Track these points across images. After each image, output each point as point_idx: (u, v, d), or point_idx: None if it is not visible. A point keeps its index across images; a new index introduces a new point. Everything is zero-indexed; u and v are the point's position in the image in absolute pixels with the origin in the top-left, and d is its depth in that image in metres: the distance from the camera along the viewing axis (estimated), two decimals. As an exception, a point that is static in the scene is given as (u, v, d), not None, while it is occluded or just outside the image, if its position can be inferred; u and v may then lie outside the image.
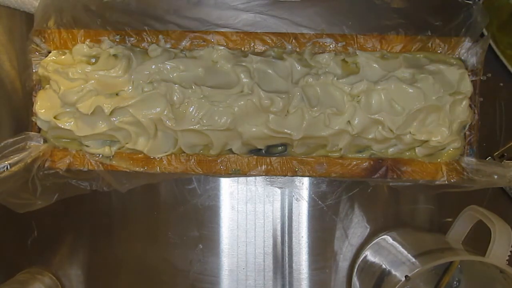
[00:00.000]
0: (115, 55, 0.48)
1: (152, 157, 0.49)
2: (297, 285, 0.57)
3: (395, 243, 0.53)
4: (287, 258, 0.57)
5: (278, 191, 0.57)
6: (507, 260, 0.44)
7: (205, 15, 0.55)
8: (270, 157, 0.49)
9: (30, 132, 0.49)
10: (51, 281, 0.57)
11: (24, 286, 0.54)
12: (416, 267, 0.46)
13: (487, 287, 0.50)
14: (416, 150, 0.49)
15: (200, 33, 0.49)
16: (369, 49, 0.48)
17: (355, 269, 0.56)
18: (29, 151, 0.47)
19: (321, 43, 0.49)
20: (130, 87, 0.47)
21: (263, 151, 0.49)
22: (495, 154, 0.55)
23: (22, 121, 0.54)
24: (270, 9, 0.55)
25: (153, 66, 0.47)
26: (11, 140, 0.47)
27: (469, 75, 0.47)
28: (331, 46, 0.49)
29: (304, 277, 0.58)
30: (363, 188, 0.56)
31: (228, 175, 0.50)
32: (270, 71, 0.46)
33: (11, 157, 0.46)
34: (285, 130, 0.46)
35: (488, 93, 0.49)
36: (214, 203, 0.57)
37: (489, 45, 0.51)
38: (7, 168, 0.46)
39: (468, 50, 0.48)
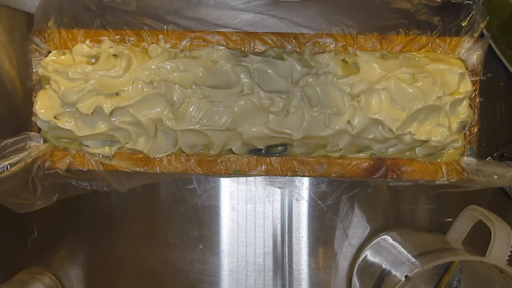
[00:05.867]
0: (115, 55, 0.48)
1: (152, 157, 0.49)
2: (297, 285, 0.58)
3: (395, 243, 0.53)
4: (287, 258, 0.57)
5: (278, 191, 0.57)
6: (507, 260, 0.44)
7: (205, 15, 0.55)
8: (270, 157, 0.49)
9: (30, 132, 0.49)
10: (51, 281, 0.57)
11: (24, 286, 0.54)
12: (416, 267, 0.46)
13: (487, 287, 0.50)
14: (416, 150, 0.49)
15: (200, 33, 0.49)
16: (369, 49, 0.48)
17: (355, 269, 0.56)
18: (29, 151, 0.47)
19: (321, 43, 0.49)
20: (130, 87, 0.47)
21: (263, 151, 0.49)
22: (495, 154, 0.55)
23: (22, 121, 0.54)
24: (270, 9, 0.55)
25: (153, 66, 0.47)
26: (11, 140, 0.47)
27: (469, 75, 0.47)
28: (331, 46, 0.48)
29: (304, 277, 0.58)
30: (363, 188, 0.57)
31: (228, 175, 0.50)
32: (270, 71, 0.46)
33: (11, 157, 0.46)
34: (285, 130, 0.46)
35: (488, 93, 0.49)
36: (214, 203, 0.57)
37: (489, 45, 0.51)
38: (7, 168, 0.46)
39: (468, 50, 0.48)
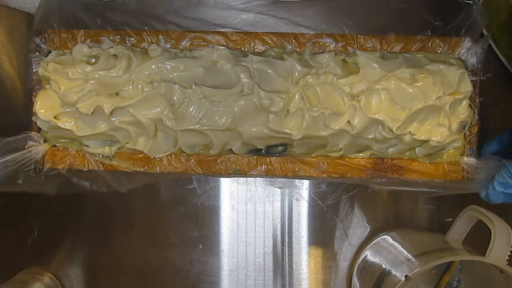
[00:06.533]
0: (115, 55, 0.48)
1: (152, 157, 0.49)
2: (297, 285, 0.57)
3: (395, 243, 0.53)
4: (287, 258, 0.57)
5: (278, 191, 0.57)
6: (507, 260, 0.44)
7: (205, 15, 0.55)
8: (270, 157, 0.49)
9: (30, 132, 0.49)
10: (51, 281, 0.57)
11: (24, 286, 0.54)
12: (416, 267, 0.46)
13: (487, 287, 0.50)
14: (416, 150, 0.49)
15: (200, 33, 0.49)
16: (369, 49, 0.48)
17: (355, 269, 0.56)
18: (29, 151, 0.47)
19: (321, 43, 0.49)
20: (130, 87, 0.47)
21: (263, 151, 0.49)
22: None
23: (22, 121, 0.54)
24: (270, 9, 0.55)
25: (153, 66, 0.47)
26: (11, 139, 0.47)
27: (469, 75, 0.47)
28: (331, 46, 0.49)
29: (304, 277, 0.58)
30: (363, 188, 0.56)
31: (228, 175, 0.50)
32: (270, 71, 0.46)
33: (11, 156, 0.46)
34: (285, 130, 0.46)
35: (488, 93, 0.49)
36: (214, 203, 0.57)
37: (489, 45, 0.51)
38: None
39: (468, 50, 0.48)
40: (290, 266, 0.57)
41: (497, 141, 0.49)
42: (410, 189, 0.50)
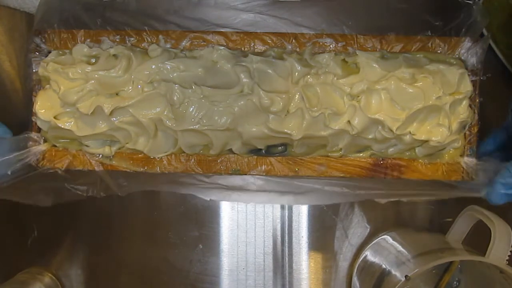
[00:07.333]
0: (115, 55, 0.48)
1: (152, 157, 0.49)
2: (297, 285, 0.58)
3: (395, 243, 0.53)
4: (287, 258, 0.57)
5: (278, 191, 0.57)
6: (507, 260, 0.44)
7: (205, 15, 0.55)
8: (270, 157, 0.49)
9: (30, 132, 0.49)
10: (51, 281, 0.57)
11: (24, 286, 0.54)
12: (416, 267, 0.46)
13: (487, 287, 0.50)
14: (416, 150, 0.49)
15: (200, 33, 0.49)
16: (369, 49, 0.48)
17: (355, 269, 0.56)
18: (29, 151, 0.47)
19: (321, 43, 0.49)
20: (130, 87, 0.47)
21: (263, 151, 0.49)
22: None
23: (22, 121, 0.54)
24: (270, 9, 0.55)
25: (153, 66, 0.47)
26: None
27: (469, 75, 0.47)
28: (331, 46, 0.49)
29: (304, 277, 0.58)
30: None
31: (228, 175, 0.50)
32: (270, 71, 0.46)
33: (11, 157, 0.46)
34: (285, 130, 0.46)
35: (488, 93, 0.49)
36: (214, 203, 0.57)
37: (489, 45, 0.51)
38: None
39: (468, 50, 0.48)
40: (290, 266, 0.57)
41: (492, 140, 0.48)
42: (410, 195, 0.50)
